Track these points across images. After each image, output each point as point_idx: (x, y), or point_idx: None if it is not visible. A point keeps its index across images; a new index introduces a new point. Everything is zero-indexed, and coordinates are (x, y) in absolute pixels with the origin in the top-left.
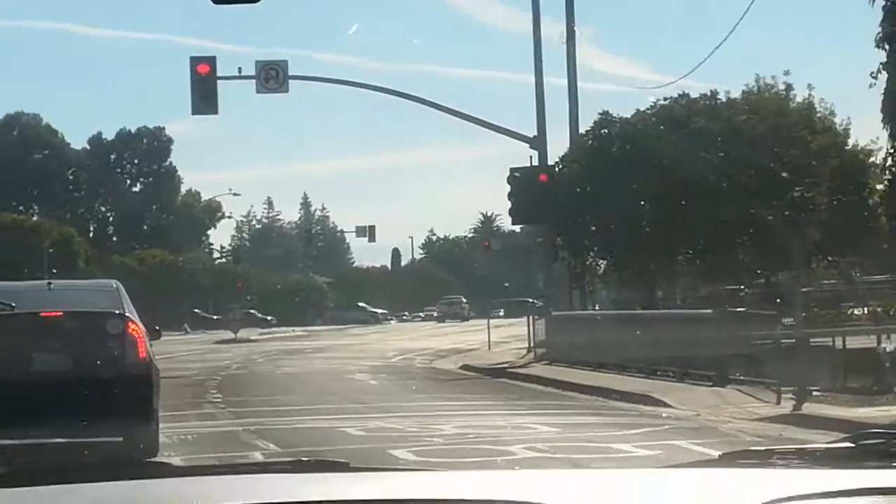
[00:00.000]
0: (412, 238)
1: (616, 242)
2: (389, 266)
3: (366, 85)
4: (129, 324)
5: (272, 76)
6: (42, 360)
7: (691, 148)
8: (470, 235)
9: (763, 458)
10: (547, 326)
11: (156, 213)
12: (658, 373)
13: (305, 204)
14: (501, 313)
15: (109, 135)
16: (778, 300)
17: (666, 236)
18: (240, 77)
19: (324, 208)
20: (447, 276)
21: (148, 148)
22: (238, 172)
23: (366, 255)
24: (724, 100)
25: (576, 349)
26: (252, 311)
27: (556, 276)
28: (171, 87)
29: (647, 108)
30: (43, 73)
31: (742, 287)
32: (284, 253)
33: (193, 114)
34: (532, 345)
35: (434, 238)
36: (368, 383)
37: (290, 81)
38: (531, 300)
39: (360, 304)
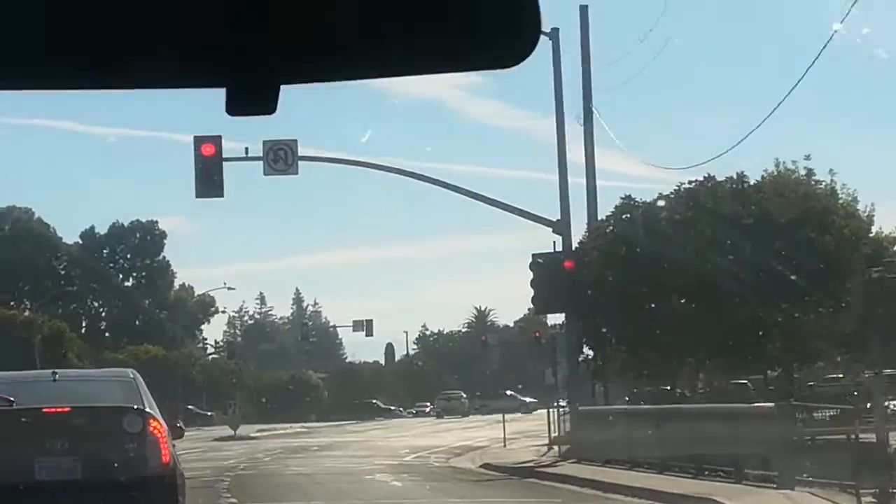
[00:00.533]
0: (407, 333)
1: (638, 339)
2: (383, 361)
3: (376, 165)
4: (151, 421)
5: (281, 157)
6: (47, 466)
7: (719, 234)
8: (464, 330)
9: None
10: (572, 422)
11: (149, 307)
12: (707, 472)
13: (297, 299)
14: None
15: (102, 229)
16: (791, 397)
17: (693, 333)
18: (246, 159)
19: (315, 303)
20: (443, 371)
21: (141, 242)
22: (230, 267)
23: (358, 350)
24: (751, 183)
25: (607, 446)
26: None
27: (565, 370)
28: (164, 182)
29: (671, 193)
30: (36, 168)
31: (747, 381)
32: (277, 348)
33: (197, 197)
34: (551, 441)
35: (427, 333)
36: (391, 485)
37: (299, 163)
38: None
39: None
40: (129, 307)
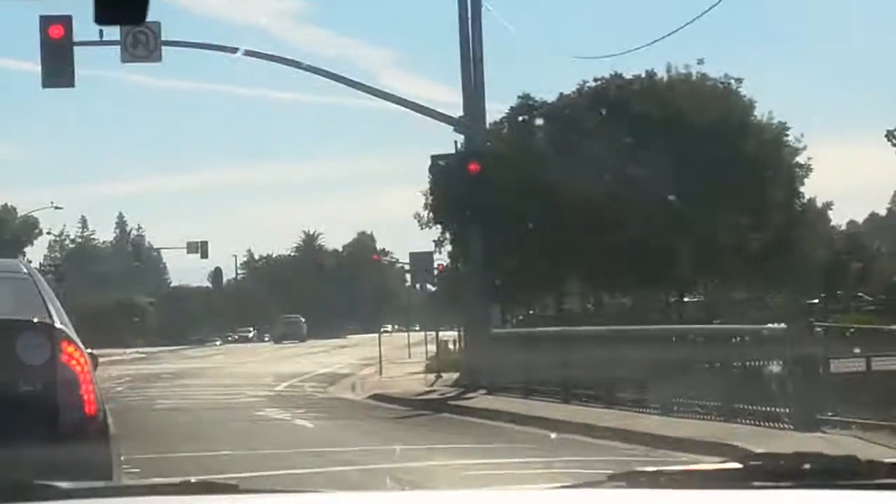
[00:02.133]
0: (235, 257)
1: (535, 255)
2: (210, 285)
3: (254, 53)
4: (64, 344)
5: (141, 41)
6: None
7: (629, 137)
8: (293, 254)
9: (652, 479)
10: (468, 347)
11: None
12: (703, 414)
13: (121, 223)
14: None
15: None
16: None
17: (599, 245)
18: (101, 43)
19: (139, 227)
20: (271, 296)
21: None
22: (52, 191)
23: (184, 276)
24: (663, 80)
25: (524, 374)
26: None
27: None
28: None
29: (573, 92)
30: None
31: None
32: (102, 272)
33: (44, 87)
34: (429, 369)
35: (257, 257)
36: (298, 424)
37: (163, 49)
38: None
39: None
40: None
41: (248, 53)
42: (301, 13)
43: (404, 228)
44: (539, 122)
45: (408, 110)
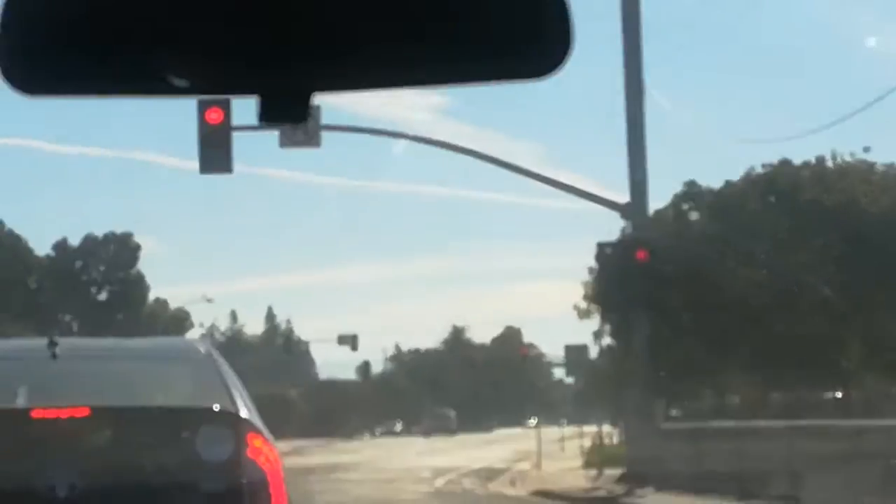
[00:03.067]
0: (384, 350)
1: (708, 346)
2: (358, 378)
3: (400, 135)
4: (251, 437)
5: (300, 126)
6: None
7: (800, 225)
8: (440, 348)
9: None
10: (640, 441)
11: (122, 321)
12: None
13: (270, 316)
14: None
15: (75, 241)
16: None
17: (762, 338)
18: (259, 128)
19: (288, 321)
20: (419, 389)
21: (115, 255)
22: (202, 286)
23: (332, 369)
24: (831, 167)
25: (714, 473)
26: None
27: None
28: (133, 201)
29: (740, 179)
30: (7, 184)
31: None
32: (251, 365)
33: (202, 172)
34: (587, 463)
35: (404, 350)
36: None
37: (322, 134)
38: None
39: None
40: (102, 320)
41: (415, 139)
42: (444, 108)
43: (549, 323)
44: (704, 210)
45: (564, 204)
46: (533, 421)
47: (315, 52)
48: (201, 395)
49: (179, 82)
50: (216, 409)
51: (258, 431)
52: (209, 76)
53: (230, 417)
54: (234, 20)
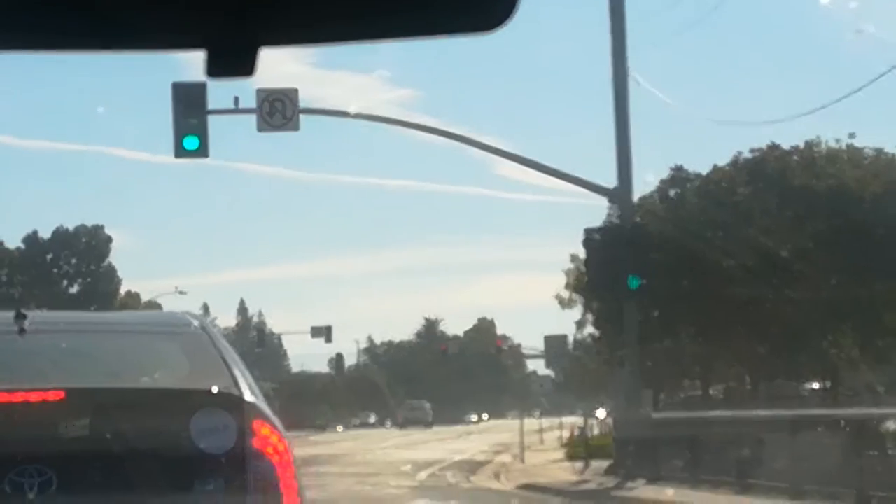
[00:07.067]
0: (357, 342)
1: (690, 332)
2: (331, 371)
3: (393, 120)
4: (258, 424)
5: (278, 109)
6: None
7: (791, 210)
8: (414, 340)
9: None
10: (629, 432)
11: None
12: None
13: (242, 309)
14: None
15: (46, 233)
16: None
17: (753, 326)
18: (237, 111)
19: (260, 314)
20: (393, 381)
21: (86, 247)
22: (174, 279)
23: (304, 361)
24: (824, 152)
25: (709, 464)
26: None
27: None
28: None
29: (728, 164)
30: None
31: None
32: None
33: (176, 157)
34: (571, 454)
35: (377, 343)
36: None
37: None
38: None
39: None
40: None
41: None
42: (411, 103)
43: (523, 315)
44: (692, 195)
45: (538, 198)
46: (475, 417)
47: (262, 4)
48: (196, 374)
49: (124, 36)
50: (215, 391)
51: (266, 418)
52: (153, 30)
53: (232, 401)
54: None
